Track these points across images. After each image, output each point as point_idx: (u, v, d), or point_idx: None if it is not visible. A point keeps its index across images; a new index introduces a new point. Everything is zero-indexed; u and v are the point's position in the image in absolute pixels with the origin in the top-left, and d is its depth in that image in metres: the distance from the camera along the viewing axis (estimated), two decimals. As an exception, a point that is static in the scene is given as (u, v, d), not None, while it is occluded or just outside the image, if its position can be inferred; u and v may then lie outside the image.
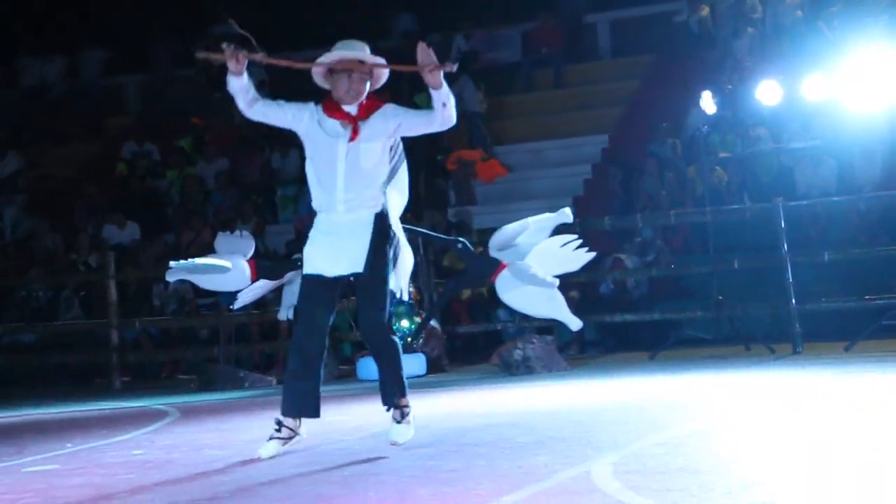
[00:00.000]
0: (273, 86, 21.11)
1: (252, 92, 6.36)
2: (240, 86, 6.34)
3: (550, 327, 12.31)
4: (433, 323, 12.57)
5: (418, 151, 16.40)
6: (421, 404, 9.12)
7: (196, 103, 21.05)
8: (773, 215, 12.02)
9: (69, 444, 7.79)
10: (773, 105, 14.36)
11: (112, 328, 13.98)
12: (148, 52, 22.36)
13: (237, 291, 11.57)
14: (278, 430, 6.43)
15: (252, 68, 6.38)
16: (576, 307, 9.84)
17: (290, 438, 6.46)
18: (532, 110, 19.58)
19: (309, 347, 6.42)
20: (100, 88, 22.77)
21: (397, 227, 6.51)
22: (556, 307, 7.01)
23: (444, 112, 6.31)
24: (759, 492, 4.52)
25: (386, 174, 6.44)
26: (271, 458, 6.31)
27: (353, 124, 6.33)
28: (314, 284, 6.40)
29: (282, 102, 6.45)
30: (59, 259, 17.46)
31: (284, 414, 6.43)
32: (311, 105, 6.43)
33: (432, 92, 6.26)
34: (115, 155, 20.20)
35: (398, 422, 6.42)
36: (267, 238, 17.10)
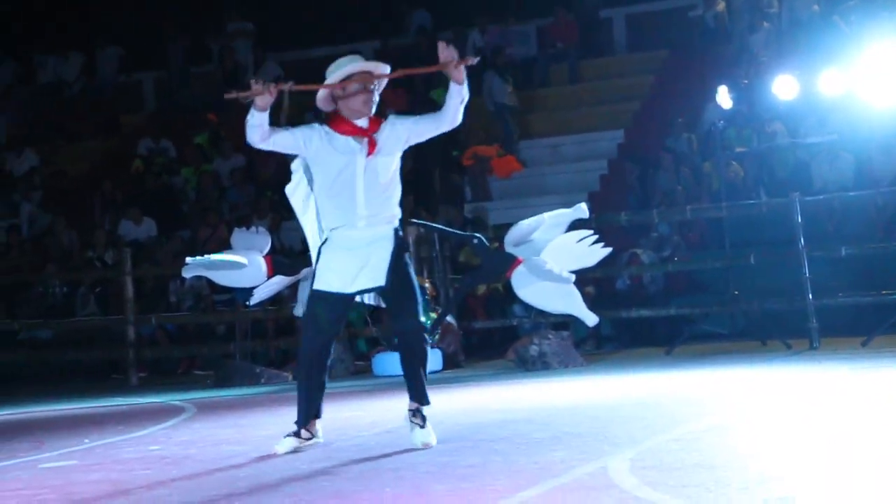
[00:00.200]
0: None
1: (267, 125, 6.38)
2: (262, 120, 6.34)
3: (566, 323, 12.29)
4: (449, 319, 12.57)
5: (434, 148, 16.40)
6: (437, 400, 9.11)
7: (211, 100, 21.08)
8: (789, 210, 11.99)
9: (86, 440, 7.81)
10: (790, 100, 14.33)
11: (129, 324, 14.01)
12: (163, 49, 22.38)
13: (253, 288, 11.61)
14: (297, 432, 6.47)
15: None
16: (592, 303, 9.84)
17: (308, 440, 6.49)
18: (547, 105, 19.56)
19: (320, 358, 6.47)
20: (116, 85, 22.81)
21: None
22: (571, 303, 7.00)
23: (458, 109, 6.31)
24: (776, 487, 4.51)
25: (400, 189, 6.46)
26: (287, 453, 6.33)
27: (369, 138, 6.32)
28: (325, 300, 6.42)
29: (290, 128, 6.46)
30: (76, 255, 17.50)
31: (301, 425, 6.49)
32: (317, 126, 6.44)
33: (454, 87, 6.24)
34: (131, 152, 20.25)
35: (422, 427, 6.37)
36: (283, 234, 17.10)
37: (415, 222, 12.88)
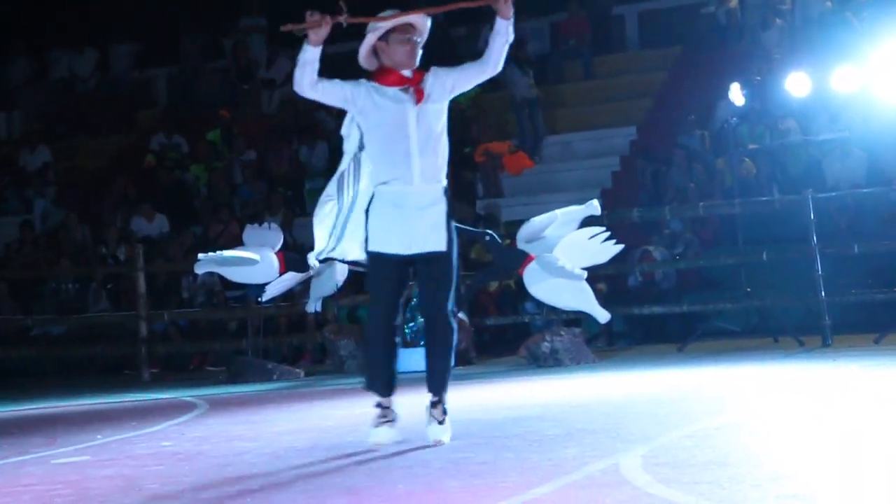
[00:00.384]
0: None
1: (317, 64, 6.19)
2: (314, 57, 6.15)
3: (578, 319, 12.29)
4: (461, 315, 12.57)
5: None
6: (449, 396, 9.14)
7: (224, 96, 21.12)
8: (802, 207, 11.97)
9: (99, 436, 7.83)
10: (802, 97, 14.32)
11: (141, 320, 14.04)
12: (177, 45, 22.42)
13: (265, 284, 11.64)
14: (384, 416, 6.33)
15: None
16: (604, 299, 9.83)
17: (394, 420, 6.36)
18: (560, 102, 19.55)
19: (389, 330, 6.30)
20: (129, 81, 22.86)
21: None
22: (583, 299, 7.00)
23: (502, 51, 6.26)
24: (789, 485, 4.50)
25: (447, 147, 6.32)
26: (388, 443, 6.21)
27: (415, 87, 6.22)
28: (384, 263, 6.24)
29: (337, 81, 6.27)
30: (89, 251, 17.54)
31: (384, 395, 6.35)
32: (363, 81, 6.28)
33: (500, 24, 6.18)
34: (145, 147, 20.29)
35: (440, 422, 6.31)
36: (295, 231, 17.12)
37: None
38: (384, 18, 6.27)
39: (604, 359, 11.86)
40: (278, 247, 11.52)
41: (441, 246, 6.19)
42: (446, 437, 6.29)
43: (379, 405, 6.36)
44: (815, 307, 11.92)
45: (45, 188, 19.98)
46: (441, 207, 6.23)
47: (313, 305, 12.07)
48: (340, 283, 11.99)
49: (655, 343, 13.44)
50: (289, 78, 23.36)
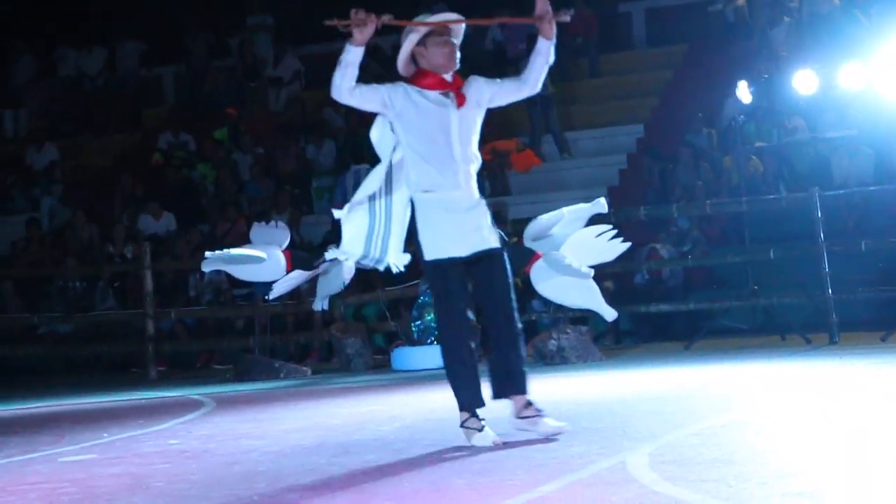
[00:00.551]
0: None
1: (357, 67, 6.07)
2: (356, 58, 6.03)
3: (585, 317, 12.29)
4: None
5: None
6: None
7: (231, 94, 21.14)
8: (809, 205, 11.96)
9: (106, 434, 7.84)
10: (810, 94, 14.29)
11: (148, 318, 14.06)
12: (184, 43, 22.44)
13: (272, 282, 11.65)
14: (480, 422, 6.07)
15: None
16: (611, 297, 9.82)
17: (481, 428, 6.09)
18: (567, 100, 19.54)
19: (467, 337, 6.14)
20: (136, 80, 22.88)
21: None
22: (590, 297, 7.00)
23: (542, 71, 6.22)
24: (795, 483, 4.50)
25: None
26: (491, 445, 5.96)
27: (456, 91, 6.16)
28: (448, 269, 6.08)
29: (374, 85, 6.15)
30: (96, 249, 17.57)
31: (482, 405, 6.09)
32: (401, 83, 6.17)
33: (542, 45, 6.16)
34: (152, 146, 20.32)
35: (542, 414, 6.12)
36: (302, 229, 17.14)
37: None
38: (424, 23, 6.20)
39: (610, 357, 11.85)
40: (285, 245, 11.61)
41: (496, 243, 6.13)
42: (560, 423, 6.12)
43: (475, 415, 6.09)
44: (822, 305, 11.91)
45: (51, 186, 20.01)
46: (484, 207, 6.19)
47: (320, 303, 12.08)
48: (347, 282, 12.01)
49: (662, 341, 13.44)
50: (296, 76, 23.44)
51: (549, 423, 6.11)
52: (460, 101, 6.15)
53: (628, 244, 7.18)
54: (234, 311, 14.94)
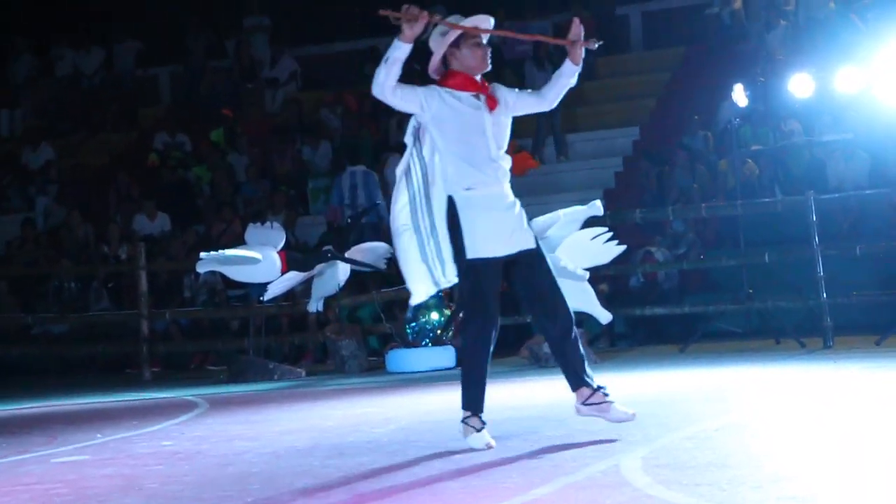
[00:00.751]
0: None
1: (401, 66, 6.06)
2: (403, 55, 6.02)
3: (580, 320, 12.20)
4: (461, 316, 12.57)
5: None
6: (450, 397, 9.13)
7: (228, 95, 21.12)
8: (804, 209, 11.96)
9: (99, 435, 7.83)
10: (806, 98, 14.30)
11: (142, 319, 14.04)
12: (180, 43, 22.43)
13: (267, 283, 11.65)
14: (481, 423, 6.11)
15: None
16: (606, 300, 9.84)
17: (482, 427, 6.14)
18: (563, 102, 19.44)
19: (491, 338, 6.18)
20: (133, 79, 22.87)
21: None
22: (585, 300, 7.00)
23: (563, 91, 6.34)
24: (789, 486, 4.50)
25: None
26: (485, 447, 6.00)
27: (486, 94, 6.20)
28: (487, 269, 6.09)
29: (412, 86, 6.13)
30: (91, 249, 17.55)
31: (478, 412, 6.13)
32: (433, 86, 6.17)
33: (569, 67, 6.25)
34: (148, 146, 20.30)
35: (611, 398, 6.16)
36: (297, 230, 17.13)
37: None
38: (473, 29, 6.20)
39: (605, 360, 11.84)
40: (280, 246, 11.60)
41: (534, 243, 6.18)
42: (630, 409, 6.16)
43: (477, 415, 6.13)
44: (816, 309, 11.91)
45: (47, 186, 19.98)
46: (520, 206, 6.22)
47: (315, 305, 12.15)
48: (342, 283, 12.07)
49: (657, 344, 13.44)
50: (292, 77, 23.37)
51: (618, 409, 6.15)
52: (491, 104, 6.20)
53: (624, 247, 7.18)
54: (229, 312, 14.92)
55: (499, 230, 6.06)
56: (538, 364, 11.63)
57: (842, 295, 12.04)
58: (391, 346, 12.64)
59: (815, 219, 11.85)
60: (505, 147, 6.24)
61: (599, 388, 6.20)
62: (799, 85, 14.01)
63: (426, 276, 6.18)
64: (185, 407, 9.65)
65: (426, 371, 11.86)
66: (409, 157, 6.22)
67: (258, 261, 11.28)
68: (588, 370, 6.22)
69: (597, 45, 6.30)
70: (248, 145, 19.42)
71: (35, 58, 23.24)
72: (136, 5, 23.00)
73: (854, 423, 6.29)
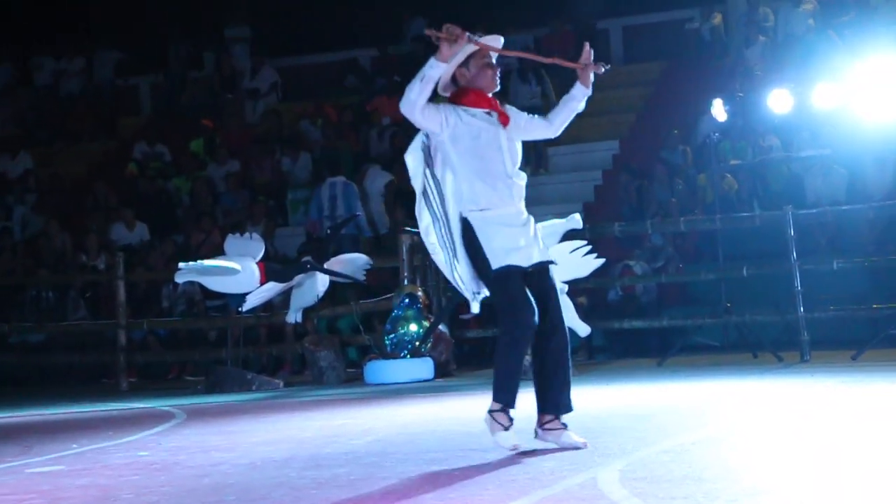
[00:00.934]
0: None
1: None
2: (439, 74, 6.04)
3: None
4: (441, 327, 12.58)
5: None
6: (428, 409, 9.13)
7: (208, 105, 21.09)
8: (782, 223, 12.01)
9: (75, 445, 7.79)
10: (784, 113, 14.37)
11: (120, 329, 14.00)
12: (160, 53, 22.40)
13: (246, 294, 11.63)
14: (510, 422, 6.13)
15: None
16: (584, 313, 9.85)
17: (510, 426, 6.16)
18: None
19: (528, 338, 6.12)
20: (113, 89, 22.81)
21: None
22: (564, 313, 7.00)
23: (570, 118, 6.42)
24: (766, 500, 4.51)
25: None
26: (515, 446, 6.02)
27: (498, 110, 6.24)
28: (516, 276, 6.07)
29: (433, 104, 6.13)
30: (68, 258, 17.49)
31: (513, 405, 6.15)
32: (448, 104, 6.19)
33: (578, 91, 6.38)
34: (127, 155, 20.25)
35: (566, 426, 6.20)
36: (277, 241, 17.10)
37: (408, 230, 12.91)
38: (507, 52, 6.39)
39: (583, 372, 11.85)
40: (259, 257, 11.59)
41: (547, 256, 6.23)
42: (581, 438, 6.17)
43: (506, 412, 6.15)
44: (793, 323, 11.96)
45: (25, 195, 19.90)
46: (534, 222, 6.27)
47: (293, 316, 12.14)
48: (321, 295, 12.06)
49: (635, 357, 13.46)
50: (273, 88, 23.31)
51: (567, 437, 6.16)
52: (504, 120, 6.24)
53: (602, 260, 7.20)
54: (207, 322, 14.88)
55: (518, 243, 6.11)
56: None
57: (819, 309, 12.08)
58: (370, 357, 12.63)
59: (793, 233, 11.90)
60: (519, 164, 6.28)
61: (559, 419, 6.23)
62: (777, 100, 14.07)
63: (462, 290, 6.28)
64: (161, 417, 9.61)
65: (404, 382, 11.84)
66: (423, 178, 6.21)
67: (237, 271, 11.27)
68: (565, 401, 6.22)
69: (603, 69, 6.37)
70: (228, 156, 19.39)
71: (13, 66, 23.18)
72: (117, 15, 22.96)
73: (831, 436, 6.31)
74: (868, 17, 17.07)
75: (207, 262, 11.44)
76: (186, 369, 15.28)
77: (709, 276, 13.04)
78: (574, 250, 8.05)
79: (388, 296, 13.00)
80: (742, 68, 17.53)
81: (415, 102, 6.03)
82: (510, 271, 6.07)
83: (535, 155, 18.20)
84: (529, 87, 18.05)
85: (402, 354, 12.29)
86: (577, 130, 18.69)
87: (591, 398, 9.37)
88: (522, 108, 6.66)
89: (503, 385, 6.16)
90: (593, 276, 8.90)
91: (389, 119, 17.96)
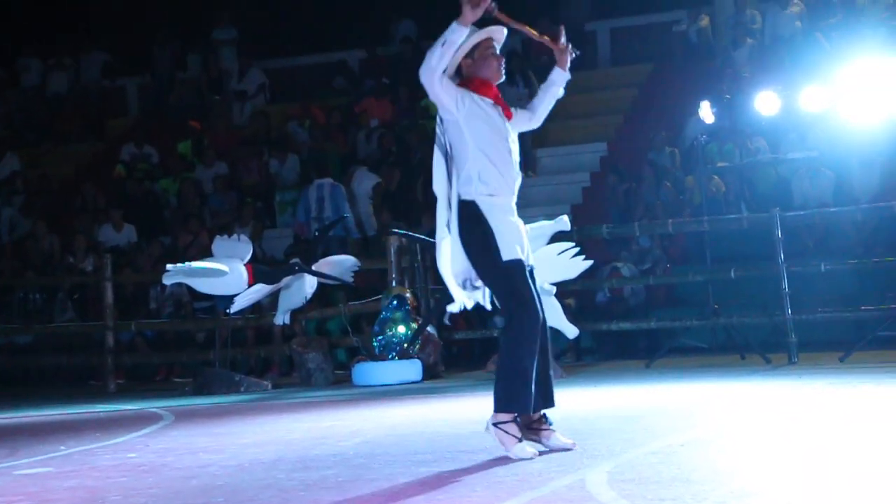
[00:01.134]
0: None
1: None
2: (460, 38, 5.97)
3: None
4: (429, 329, 12.58)
5: (416, 156, 16.41)
6: (417, 410, 9.13)
7: (196, 107, 21.07)
8: (769, 225, 12.03)
9: (63, 447, 7.78)
10: (772, 115, 14.37)
11: (108, 330, 13.98)
12: (148, 55, 22.37)
13: (234, 295, 11.63)
14: (521, 432, 6.00)
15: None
16: (572, 315, 9.87)
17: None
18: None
19: (541, 339, 6.00)
20: (100, 90, 22.78)
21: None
22: (552, 315, 7.02)
23: (550, 105, 6.43)
24: (754, 502, 4.51)
25: None
26: (530, 457, 5.87)
27: (502, 104, 6.22)
28: (521, 269, 5.99)
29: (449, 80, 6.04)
30: (56, 260, 17.46)
31: (529, 411, 6.01)
32: (462, 87, 6.11)
33: (557, 75, 6.39)
34: (115, 157, 20.22)
35: (553, 427, 6.17)
36: (265, 242, 17.09)
37: (396, 232, 12.92)
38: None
39: (572, 374, 11.86)
40: (247, 258, 11.58)
41: (532, 261, 6.18)
42: (569, 440, 6.16)
43: (517, 420, 5.99)
44: (781, 325, 11.97)
45: (12, 197, 19.87)
46: (522, 224, 6.22)
47: (281, 318, 12.14)
48: (309, 296, 12.06)
49: (623, 359, 13.48)
50: (260, 89, 23.27)
51: (557, 438, 6.14)
52: (508, 114, 6.25)
53: (590, 262, 7.21)
54: (195, 324, 14.87)
55: (521, 239, 6.08)
56: (504, 378, 11.61)
57: (807, 311, 12.11)
58: (358, 359, 12.62)
59: (780, 235, 11.92)
60: (519, 160, 6.25)
61: (543, 415, 6.19)
62: (765, 103, 14.08)
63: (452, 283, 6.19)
64: (149, 419, 9.60)
65: (393, 384, 11.84)
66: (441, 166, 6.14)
67: (225, 273, 11.26)
68: (549, 397, 6.19)
69: (575, 55, 6.35)
70: (216, 157, 19.36)
71: (0, 68, 23.13)
72: (104, 16, 22.92)
73: (819, 438, 6.32)
74: (855, 19, 17.11)
75: (195, 264, 11.43)
76: (174, 371, 15.27)
77: (696, 278, 13.05)
78: (562, 252, 8.06)
79: (377, 297, 13.00)
80: (729, 70, 17.56)
81: (434, 69, 5.93)
82: (517, 264, 5.99)
83: (522, 157, 18.20)
84: (517, 89, 18.03)
85: (390, 356, 12.28)
86: (564, 132, 18.97)
87: (579, 400, 9.38)
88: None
89: (513, 392, 5.97)
90: (581, 277, 8.91)
91: (377, 121, 17.98)
